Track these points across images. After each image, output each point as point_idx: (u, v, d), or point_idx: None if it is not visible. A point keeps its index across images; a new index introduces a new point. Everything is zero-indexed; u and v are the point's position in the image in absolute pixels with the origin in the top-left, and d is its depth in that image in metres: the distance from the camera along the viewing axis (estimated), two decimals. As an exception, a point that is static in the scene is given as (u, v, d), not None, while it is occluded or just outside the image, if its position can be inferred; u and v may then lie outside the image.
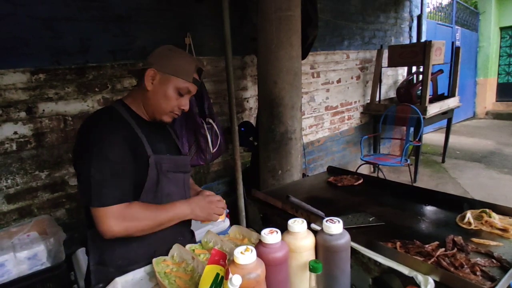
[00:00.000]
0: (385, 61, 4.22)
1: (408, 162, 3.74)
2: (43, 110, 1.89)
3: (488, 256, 0.82)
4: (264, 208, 1.25)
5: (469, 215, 1.00)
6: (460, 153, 5.14)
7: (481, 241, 0.90)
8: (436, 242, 0.87)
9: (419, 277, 0.74)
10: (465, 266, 0.74)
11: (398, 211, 1.13)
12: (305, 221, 0.77)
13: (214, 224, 2.07)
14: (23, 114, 1.83)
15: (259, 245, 0.70)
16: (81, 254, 1.81)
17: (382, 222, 1.03)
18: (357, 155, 4.20)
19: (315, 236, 0.78)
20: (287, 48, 2.13)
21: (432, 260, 0.78)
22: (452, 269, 0.74)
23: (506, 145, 5.43)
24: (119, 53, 2.12)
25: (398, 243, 0.86)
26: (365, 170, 4.39)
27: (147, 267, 1.06)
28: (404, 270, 0.77)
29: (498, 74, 7.92)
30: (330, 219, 0.77)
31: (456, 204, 1.11)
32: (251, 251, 0.64)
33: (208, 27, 2.50)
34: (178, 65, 1.05)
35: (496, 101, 7.99)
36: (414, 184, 3.91)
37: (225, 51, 2.10)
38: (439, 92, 4.69)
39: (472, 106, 8.01)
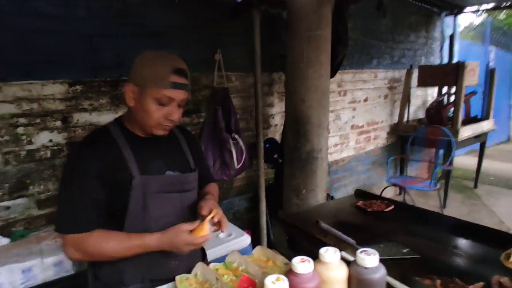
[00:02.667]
0: (414, 81, 4.12)
1: (438, 186, 3.57)
2: (77, 120, 1.96)
3: (540, 302, 0.75)
4: (290, 230, 1.21)
5: (515, 253, 0.93)
6: (494, 179, 4.86)
7: (531, 284, 0.82)
8: (481, 283, 0.80)
9: (464, 321, 0.68)
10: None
11: (433, 243, 1.07)
12: (338, 251, 0.73)
13: (235, 243, 2.05)
14: (58, 123, 1.91)
15: (290, 274, 0.67)
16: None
17: (417, 255, 0.96)
18: (383, 177, 4.07)
19: (348, 266, 0.74)
20: (316, 67, 2.12)
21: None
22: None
23: (546, 173, 5.09)
24: (151, 68, 2.18)
25: (438, 281, 0.80)
26: (390, 192, 4.24)
27: (170, 285, 1.05)
28: (446, 311, 0.72)
29: (535, 96, 7.53)
30: (365, 251, 0.73)
31: (499, 239, 1.03)
32: (283, 281, 0.61)
33: (238, 44, 2.54)
34: (149, 73, 0.95)
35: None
36: (444, 210, 3.72)
37: (254, 67, 2.12)
38: (472, 115, 4.50)
39: (507, 129, 7.62)
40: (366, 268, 0.71)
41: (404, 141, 4.11)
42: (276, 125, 2.98)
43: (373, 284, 0.69)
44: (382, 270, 0.71)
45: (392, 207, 1.33)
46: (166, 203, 1.04)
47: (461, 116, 3.79)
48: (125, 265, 1.02)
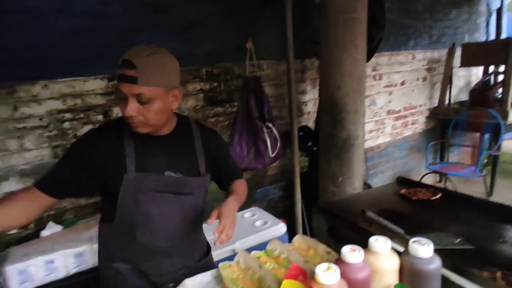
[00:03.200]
0: (456, 61, 3.85)
1: (484, 172, 3.36)
2: (117, 114, 2.04)
3: None
4: (331, 219, 1.19)
5: None
6: (547, 164, 4.49)
7: None
8: (548, 276, 0.74)
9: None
10: None
11: (488, 233, 1.00)
12: (389, 240, 0.71)
13: (270, 231, 2.06)
14: (100, 117, 1.99)
15: (339, 263, 0.66)
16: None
17: (472, 246, 0.91)
18: (421, 163, 3.89)
19: (399, 257, 0.71)
20: (351, 51, 2.03)
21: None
22: None
23: None
24: (184, 59, 2.21)
25: (499, 273, 0.75)
26: (430, 179, 4.04)
27: (214, 271, 1.07)
28: (508, 305, 0.67)
29: None
30: (417, 240, 0.70)
31: None
32: (335, 270, 0.60)
33: (268, 31, 2.50)
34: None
35: None
36: (491, 197, 3.50)
37: (286, 54, 2.08)
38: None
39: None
40: (419, 258, 0.68)
41: (445, 126, 3.88)
42: (309, 112, 2.93)
43: (428, 276, 0.66)
44: (437, 261, 0.68)
45: (439, 195, 1.26)
46: (159, 202, 1.03)
47: (510, 97, 3.50)
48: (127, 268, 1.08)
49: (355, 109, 2.14)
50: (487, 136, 3.62)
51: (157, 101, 0.95)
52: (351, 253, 0.65)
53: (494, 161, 3.57)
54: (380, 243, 0.70)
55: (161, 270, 1.09)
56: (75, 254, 1.52)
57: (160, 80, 0.94)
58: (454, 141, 4.06)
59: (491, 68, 4.22)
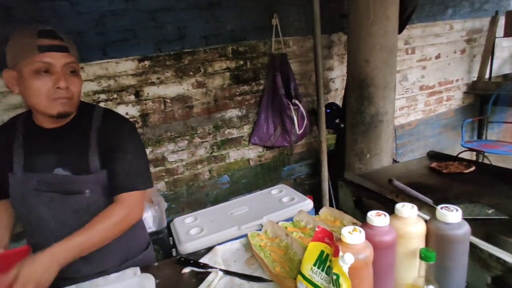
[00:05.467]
0: (500, 30, 3.56)
1: (526, 150, 3.16)
2: (148, 94, 2.12)
3: None
4: (357, 191, 1.19)
5: None
6: None
7: None
8: None
9: None
10: None
11: (523, 205, 0.96)
12: (415, 207, 0.71)
13: (297, 207, 2.09)
14: (132, 97, 2.08)
15: (365, 227, 0.67)
16: (177, 222, 2.03)
17: (506, 216, 0.88)
18: (456, 141, 3.72)
19: (426, 223, 0.71)
20: (382, 23, 1.95)
21: None
22: None
23: None
24: (210, 38, 2.23)
25: (532, 241, 0.73)
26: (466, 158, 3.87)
27: (243, 240, 1.12)
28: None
29: None
30: (446, 207, 0.69)
31: None
32: (360, 231, 0.61)
33: (294, 6, 2.45)
34: (16, 48, 0.87)
35: None
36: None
37: (313, 30, 2.03)
38: None
39: None
40: (447, 223, 0.67)
41: (484, 101, 3.65)
42: (337, 89, 2.87)
43: (455, 241, 0.66)
44: (466, 227, 0.67)
45: (473, 169, 1.22)
46: (47, 203, 0.95)
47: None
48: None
49: (385, 83, 2.07)
50: (531, 111, 3.37)
51: (79, 75, 0.94)
52: (377, 217, 0.66)
53: (538, 138, 3.33)
54: (407, 209, 0.70)
55: (70, 274, 0.96)
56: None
57: (77, 53, 0.95)
58: (494, 118, 3.82)
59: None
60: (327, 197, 2.48)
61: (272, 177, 2.70)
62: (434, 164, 1.30)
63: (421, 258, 0.65)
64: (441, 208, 0.69)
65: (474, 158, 3.88)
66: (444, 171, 1.23)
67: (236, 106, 2.42)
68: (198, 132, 2.33)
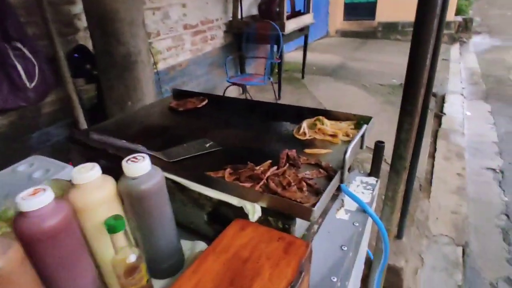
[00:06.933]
0: (243, -27, 3.93)
1: (271, 80, 3.85)
2: None
3: (317, 166, 0.81)
4: (87, 152, 0.97)
5: (304, 125, 0.98)
6: (315, 69, 5.64)
7: (313, 151, 0.88)
8: (268, 161, 0.80)
9: (247, 206, 0.66)
10: (293, 184, 0.70)
11: (241, 132, 1.04)
12: (97, 166, 0.56)
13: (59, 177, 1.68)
14: None
15: (18, 218, 0.47)
16: None
17: (220, 147, 0.91)
18: (224, 78, 4.10)
19: (117, 183, 0.58)
20: None
21: (262, 183, 0.71)
22: (279, 190, 0.68)
23: (349, 59, 6.23)
24: None
25: (228, 170, 0.76)
26: (234, 92, 4.38)
27: None
28: (234, 201, 0.68)
29: (344, -6, 8.63)
30: (134, 157, 0.58)
31: (296, 115, 1.08)
32: None
33: None
34: None
35: (344, 20, 8.89)
36: (279, 101, 4.14)
37: None
38: (296, 9, 4.80)
39: (326, 25, 8.73)
40: (134, 178, 0.57)
41: (239, 39, 4.10)
42: (86, 28, 2.37)
43: (144, 196, 0.57)
44: (158, 176, 0.59)
45: (205, 102, 1.24)
46: None
47: (286, 11, 3.95)
48: None
49: (131, 18, 1.82)
50: (274, 47, 4.07)
51: None
52: (31, 198, 0.47)
53: (279, 69, 4.12)
54: (84, 172, 0.54)
55: None
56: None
57: None
58: (249, 54, 4.42)
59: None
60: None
61: (16, 150, 2.07)
62: (173, 103, 1.24)
63: (108, 231, 0.52)
64: (127, 160, 0.57)
65: (241, 91, 4.45)
66: (181, 108, 1.19)
67: None
68: None
